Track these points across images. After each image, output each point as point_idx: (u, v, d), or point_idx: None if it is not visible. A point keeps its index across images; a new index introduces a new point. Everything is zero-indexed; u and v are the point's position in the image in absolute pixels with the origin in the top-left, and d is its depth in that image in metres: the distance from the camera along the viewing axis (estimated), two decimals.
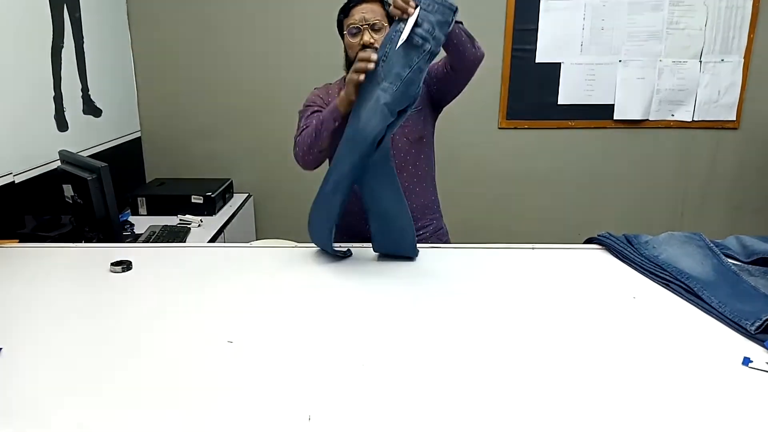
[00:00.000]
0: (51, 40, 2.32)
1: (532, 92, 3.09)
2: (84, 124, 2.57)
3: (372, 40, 1.63)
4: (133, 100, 3.09)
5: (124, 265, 1.47)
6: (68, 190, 1.96)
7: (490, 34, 3.01)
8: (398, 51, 1.31)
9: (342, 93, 1.49)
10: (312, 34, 2.98)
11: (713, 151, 3.19)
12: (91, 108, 2.64)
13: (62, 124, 2.40)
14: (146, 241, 2.21)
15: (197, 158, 3.19)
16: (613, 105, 3.10)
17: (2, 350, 1.09)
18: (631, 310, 1.26)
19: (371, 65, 1.35)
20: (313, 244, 1.65)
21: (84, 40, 2.56)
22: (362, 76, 1.37)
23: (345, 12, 1.69)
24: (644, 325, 1.19)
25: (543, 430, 0.86)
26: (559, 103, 3.10)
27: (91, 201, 1.80)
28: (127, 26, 3.00)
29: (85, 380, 1.00)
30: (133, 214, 2.70)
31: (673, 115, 3.12)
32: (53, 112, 2.34)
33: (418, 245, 1.54)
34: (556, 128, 3.14)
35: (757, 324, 1.12)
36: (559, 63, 3.05)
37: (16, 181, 2.06)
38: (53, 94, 2.34)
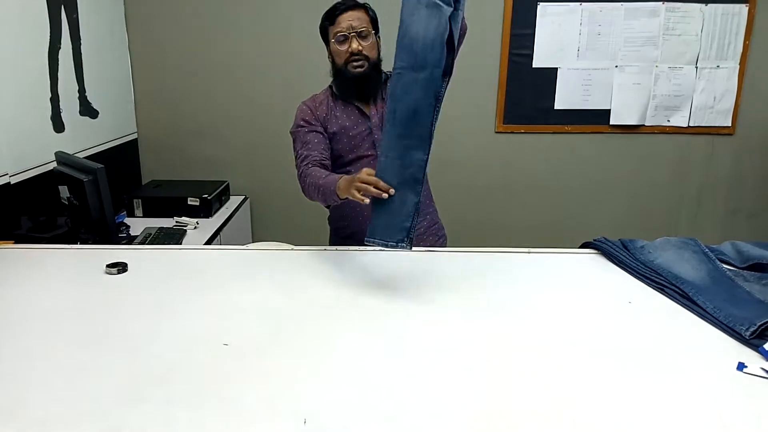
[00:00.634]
0: (48, 40, 2.31)
1: (529, 97, 3.10)
2: (80, 125, 2.57)
3: (360, 47, 1.64)
4: (130, 101, 3.08)
5: (120, 267, 1.47)
6: (64, 191, 1.95)
7: (487, 39, 3.02)
8: None
9: (342, 183, 1.43)
10: (308, 37, 2.96)
11: (709, 157, 3.21)
12: (87, 109, 2.63)
13: (59, 125, 2.39)
14: (142, 242, 2.21)
15: (194, 160, 3.18)
16: (609, 110, 3.11)
17: None
18: (627, 315, 1.27)
19: (367, 200, 1.31)
20: (309, 247, 1.65)
21: (81, 41, 2.55)
22: (366, 200, 1.32)
23: (330, 19, 1.68)
24: (640, 329, 1.20)
25: None
26: (555, 107, 3.11)
27: (87, 202, 1.79)
28: (125, 28, 3.00)
29: (80, 382, 0.99)
30: (129, 216, 2.69)
31: (669, 121, 3.14)
32: (50, 113, 2.34)
33: (415, 248, 1.52)
34: (553, 133, 3.15)
35: (751, 329, 1.12)
36: (556, 68, 3.05)
37: (12, 182, 2.05)
38: (50, 95, 2.33)
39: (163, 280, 1.44)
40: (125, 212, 2.70)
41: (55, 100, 2.36)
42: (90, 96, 2.64)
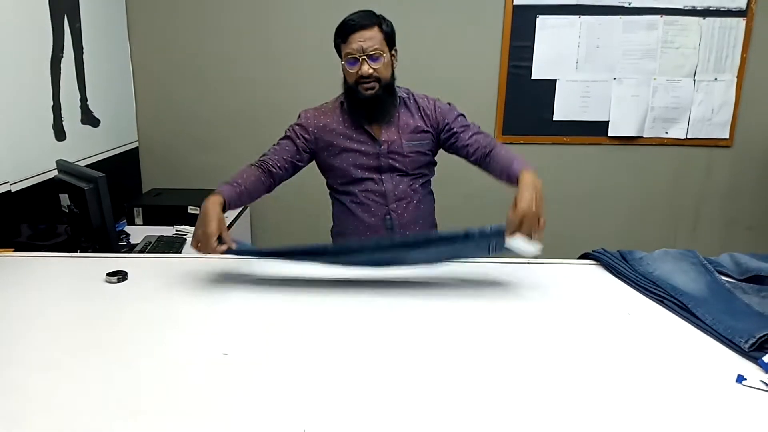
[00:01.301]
0: (51, 49, 2.33)
1: (528, 108, 3.11)
2: (82, 133, 2.57)
3: (371, 71, 1.59)
4: (132, 110, 3.10)
5: (120, 276, 1.47)
6: (65, 199, 1.96)
7: (486, 51, 3.04)
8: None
9: (208, 203, 1.48)
10: (310, 46, 3.00)
11: (707, 169, 3.22)
12: (89, 118, 2.64)
13: (60, 134, 2.40)
14: (142, 251, 2.21)
15: (194, 169, 3.19)
16: (607, 122, 3.13)
17: None
18: (626, 327, 1.27)
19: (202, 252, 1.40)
20: None
21: (83, 50, 2.57)
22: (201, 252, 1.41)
23: (342, 37, 1.62)
24: (639, 341, 1.20)
25: None
26: (554, 119, 3.12)
27: (87, 211, 1.79)
28: (127, 37, 3.02)
29: (80, 391, 0.99)
30: (129, 224, 2.69)
31: (667, 133, 3.15)
32: (51, 122, 2.34)
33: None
34: (552, 144, 3.17)
35: (751, 342, 1.13)
36: (555, 80, 3.08)
37: (13, 190, 2.05)
38: (52, 103, 2.34)
39: (163, 289, 1.44)
40: (125, 220, 2.70)
41: (56, 108, 2.37)
42: (92, 105, 2.65)
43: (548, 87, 3.09)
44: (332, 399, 0.97)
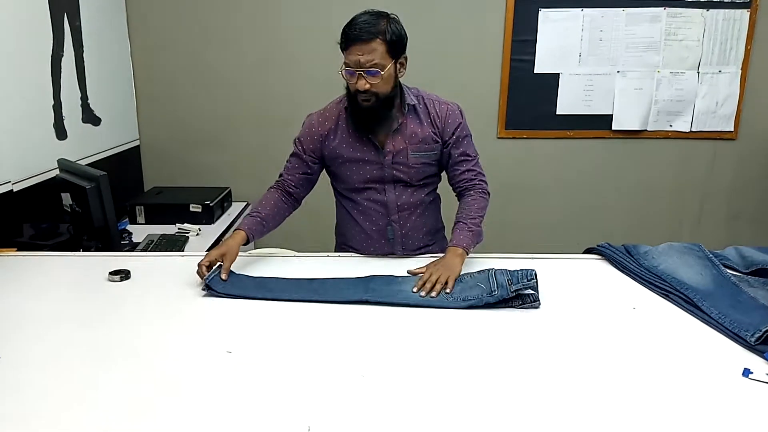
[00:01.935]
0: (51, 48, 2.32)
1: (531, 102, 3.10)
2: (83, 132, 2.57)
3: (367, 86, 1.53)
4: (132, 108, 3.09)
5: (123, 274, 1.47)
6: (66, 198, 1.95)
7: (489, 45, 3.02)
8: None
9: (229, 239, 1.53)
10: (312, 45, 2.99)
11: (711, 162, 3.20)
12: (90, 116, 2.64)
13: (61, 133, 2.40)
14: (144, 249, 2.21)
15: (196, 167, 3.19)
16: (611, 115, 3.11)
17: (1, 359, 1.08)
18: (632, 321, 1.26)
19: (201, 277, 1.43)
20: (311, 253, 1.66)
21: (84, 48, 2.56)
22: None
23: (344, 43, 1.55)
24: (645, 335, 1.19)
25: None
26: (557, 113, 3.10)
27: (89, 209, 1.79)
28: (127, 35, 3.01)
29: (84, 389, 0.99)
30: (131, 223, 2.69)
31: (671, 126, 3.13)
32: (52, 121, 2.34)
33: (418, 255, 1.52)
34: (555, 138, 3.15)
35: (757, 335, 1.12)
36: (558, 73, 3.06)
37: (15, 190, 2.05)
38: (52, 102, 2.34)
39: (165, 287, 1.44)
40: (127, 219, 2.70)
41: (57, 107, 2.37)
42: (92, 103, 2.65)
43: (551, 81, 3.07)
44: (336, 396, 0.97)
